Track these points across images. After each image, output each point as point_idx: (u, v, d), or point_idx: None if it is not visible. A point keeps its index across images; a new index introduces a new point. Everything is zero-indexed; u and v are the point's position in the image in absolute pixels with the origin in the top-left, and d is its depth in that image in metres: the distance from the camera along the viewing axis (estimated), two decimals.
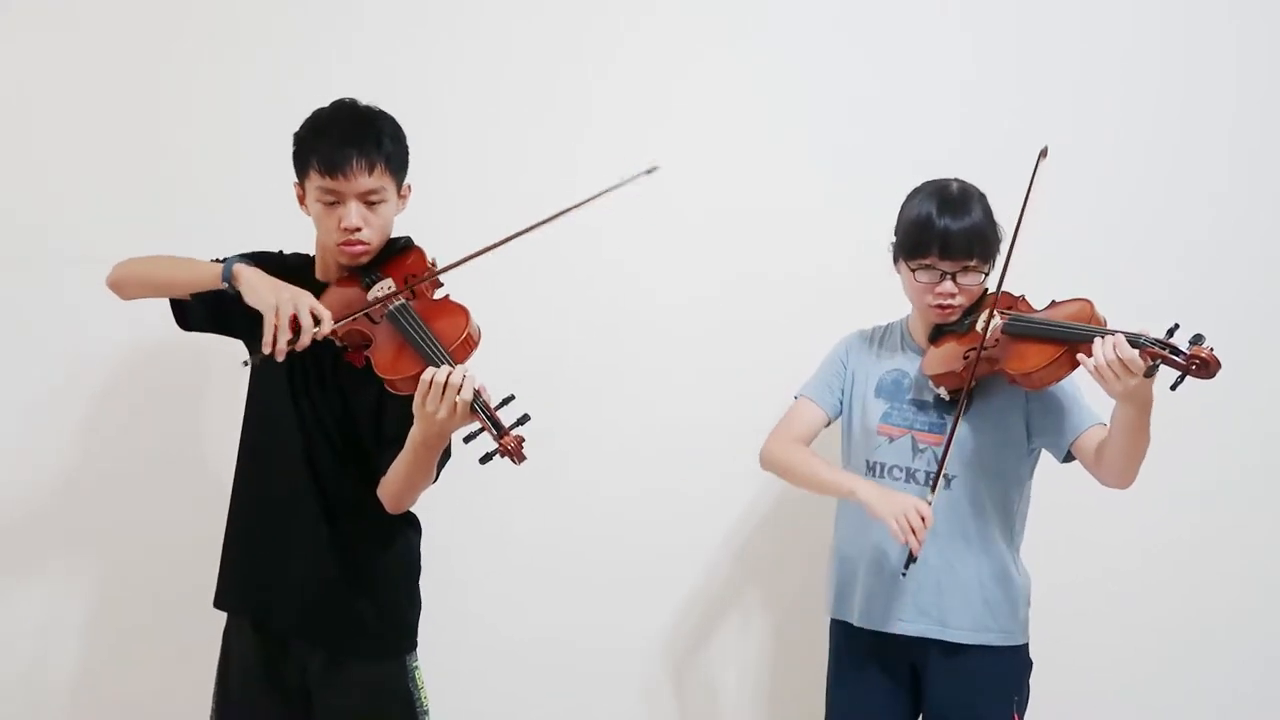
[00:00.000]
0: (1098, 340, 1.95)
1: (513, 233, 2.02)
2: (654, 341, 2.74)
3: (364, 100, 2.10)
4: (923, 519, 2.03)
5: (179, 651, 2.62)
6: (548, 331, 2.73)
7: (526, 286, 2.72)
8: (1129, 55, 2.72)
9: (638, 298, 2.74)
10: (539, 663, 2.77)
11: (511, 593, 2.76)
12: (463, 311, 2.01)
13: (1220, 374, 1.86)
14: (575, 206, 2.03)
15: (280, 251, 2.17)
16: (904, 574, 2.12)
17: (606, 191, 2.05)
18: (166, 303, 2.16)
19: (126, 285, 2.14)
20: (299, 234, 2.15)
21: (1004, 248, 2.18)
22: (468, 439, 1.88)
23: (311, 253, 2.15)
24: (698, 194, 2.72)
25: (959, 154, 2.60)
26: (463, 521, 2.72)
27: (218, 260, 2.05)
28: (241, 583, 2.13)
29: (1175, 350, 1.88)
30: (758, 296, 2.72)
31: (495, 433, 1.84)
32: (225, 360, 2.20)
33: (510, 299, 2.71)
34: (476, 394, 1.85)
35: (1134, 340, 1.92)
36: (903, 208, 2.23)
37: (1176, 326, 1.91)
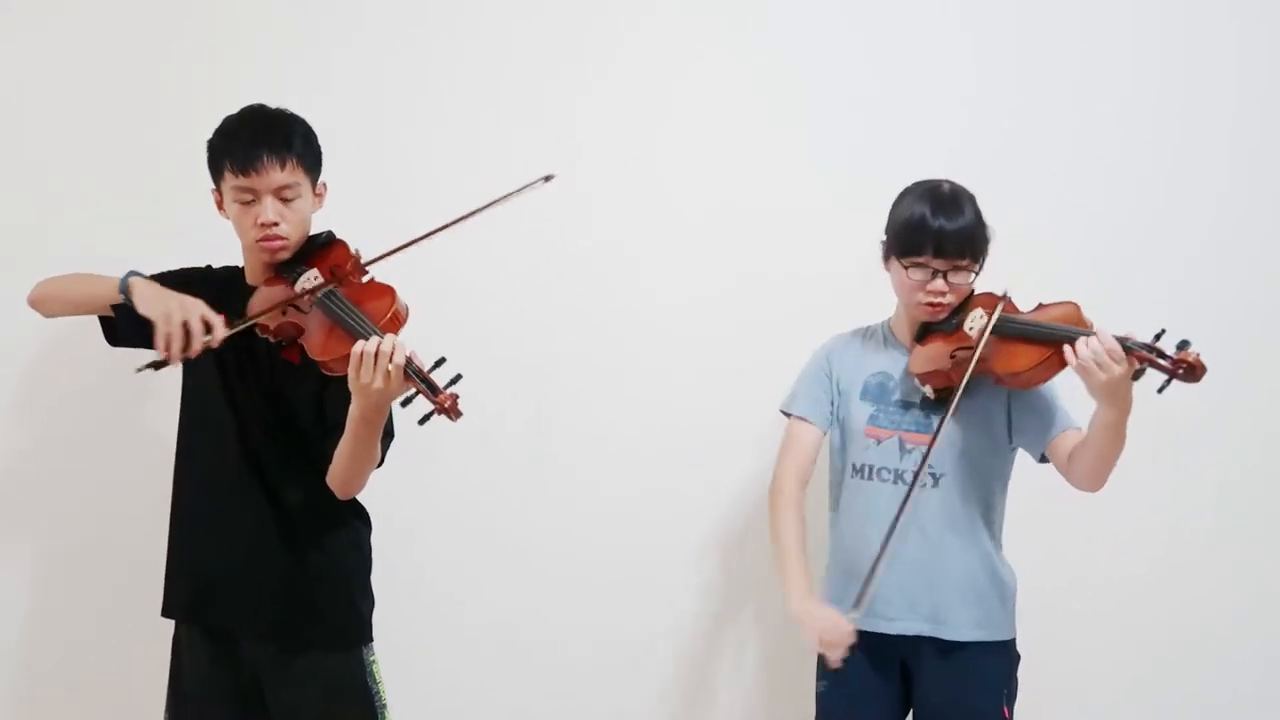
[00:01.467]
0: (1082, 338, 1.97)
1: (430, 229, 2.07)
2: (654, 341, 2.74)
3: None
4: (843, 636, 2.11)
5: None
6: (548, 331, 2.72)
7: (526, 286, 2.72)
8: (1129, 55, 2.72)
9: (638, 298, 2.74)
10: (534, 663, 2.76)
11: (510, 593, 2.75)
12: (389, 291, 2.04)
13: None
14: (470, 214, 2.08)
15: (208, 266, 2.22)
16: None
17: (502, 199, 2.10)
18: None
19: (45, 302, 2.18)
20: None
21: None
22: (405, 403, 1.91)
23: (239, 263, 2.18)
24: (698, 194, 2.72)
25: (959, 154, 2.59)
26: (461, 523, 2.72)
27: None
28: (188, 587, 2.13)
29: (1162, 354, 1.90)
30: (758, 296, 2.72)
31: (430, 393, 1.86)
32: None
33: (510, 299, 2.71)
34: (409, 359, 1.88)
35: (1121, 343, 1.94)
36: (894, 208, 2.23)
37: (1164, 331, 1.93)
